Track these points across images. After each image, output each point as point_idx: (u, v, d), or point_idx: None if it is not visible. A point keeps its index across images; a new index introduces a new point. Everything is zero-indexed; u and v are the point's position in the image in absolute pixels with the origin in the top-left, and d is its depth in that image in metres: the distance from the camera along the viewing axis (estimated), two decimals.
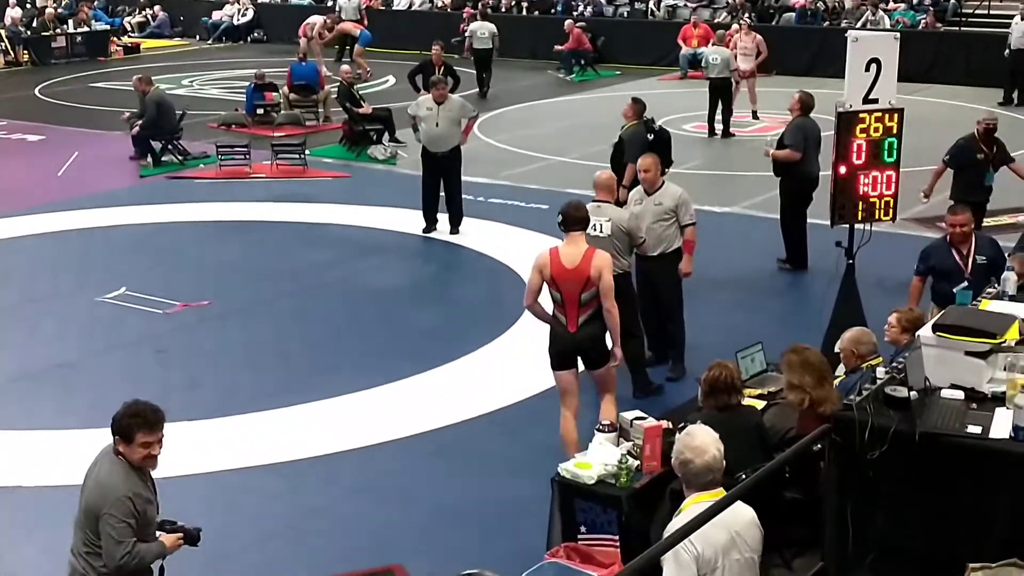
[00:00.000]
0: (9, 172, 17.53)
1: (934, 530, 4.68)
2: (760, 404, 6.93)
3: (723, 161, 17.60)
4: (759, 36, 21.31)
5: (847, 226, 9.05)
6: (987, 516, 4.57)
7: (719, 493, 4.63)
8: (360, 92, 19.18)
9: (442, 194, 13.68)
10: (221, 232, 14.22)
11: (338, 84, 19.01)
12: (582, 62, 26.13)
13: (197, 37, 33.71)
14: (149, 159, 17.48)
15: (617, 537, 6.19)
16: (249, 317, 11.28)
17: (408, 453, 8.46)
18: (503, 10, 29.90)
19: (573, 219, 7.72)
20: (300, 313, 11.39)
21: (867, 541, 4.75)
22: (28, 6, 30.44)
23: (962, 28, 25.60)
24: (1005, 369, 5.01)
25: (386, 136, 18.35)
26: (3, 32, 29.02)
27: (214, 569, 6.76)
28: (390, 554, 7.06)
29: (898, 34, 9.20)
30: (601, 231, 8.83)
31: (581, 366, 7.90)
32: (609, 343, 7.81)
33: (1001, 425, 4.65)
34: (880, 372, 5.25)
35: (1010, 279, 6.29)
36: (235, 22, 33.23)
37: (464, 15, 27.53)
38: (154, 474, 7.96)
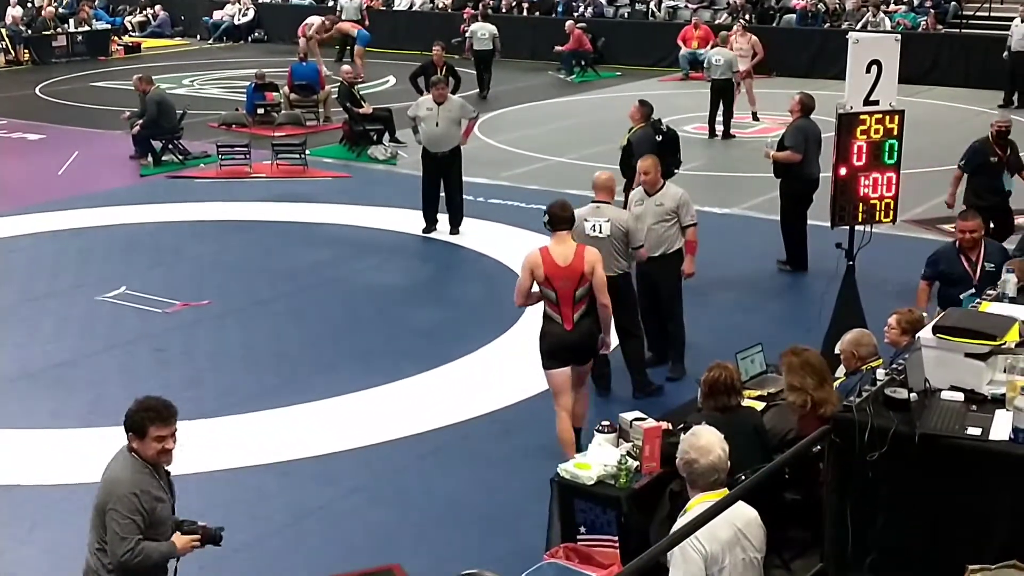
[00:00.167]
0: (9, 171, 17.54)
1: (934, 532, 4.67)
2: (760, 405, 6.93)
3: (723, 162, 17.60)
4: (754, 37, 21.35)
5: (847, 228, 9.04)
6: (987, 518, 4.57)
7: (724, 493, 4.64)
8: (361, 92, 19.17)
9: (442, 194, 13.68)
10: (221, 232, 14.22)
11: (339, 84, 19.01)
12: (583, 63, 26.14)
13: (198, 37, 33.72)
14: (149, 158, 17.48)
15: (616, 538, 6.18)
16: (249, 316, 11.28)
17: (407, 453, 8.46)
18: (504, 11, 29.91)
19: (560, 218, 7.83)
20: (299, 313, 11.39)
21: (867, 542, 4.74)
22: (28, 5, 30.43)
23: (963, 30, 25.60)
24: (1005, 371, 5.00)
25: (386, 136, 18.36)
26: (4, 31, 29.03)
27: (212, 568, 6.75)
28: (388, 554, 7.06)
29: (899, 36, 9.18)
30: (600, 232, 8.84)
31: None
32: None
33: (1001, 427, 4.65)
34: (880, 374, 5.24)
35: (1010, 281, 6.28)
36: (236, 22, 33.25)
37: (465, 16, 27.53)
38: None
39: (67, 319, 11.21)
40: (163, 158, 17.52)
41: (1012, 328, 5.15)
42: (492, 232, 13.64)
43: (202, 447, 8.46)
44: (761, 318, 10.81)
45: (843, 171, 8.69)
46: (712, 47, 21.24)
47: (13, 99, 23.62)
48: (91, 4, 32.09)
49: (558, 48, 26.14)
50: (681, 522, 4.60)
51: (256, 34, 33.05)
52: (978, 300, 6.22)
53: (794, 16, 27.17)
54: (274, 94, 20.60)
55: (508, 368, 9.73)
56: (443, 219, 13.71)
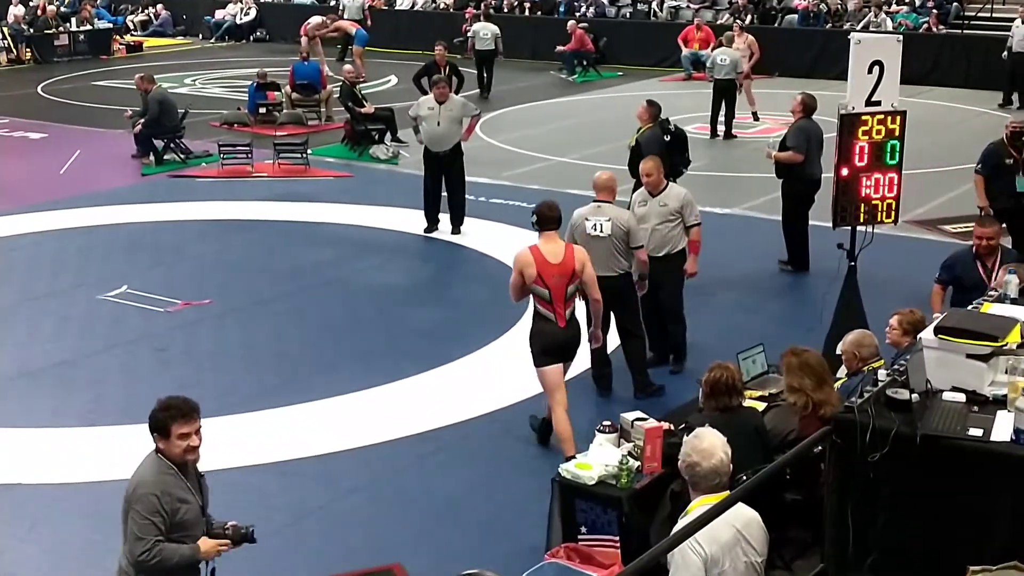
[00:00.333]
0: (11, 170, 17.54)
1: (934, 532, 4.67)
2: (761, 406, 6.93)
3: (725, 162, 17.60)
4: (751, 37, 21.36)
5: (849, 228, 9.04)
6: (988, 519, 4.56)
7: (725, 496, 4.63)
8: (362, 92, 19.18)
9: (444, 194, 13.68)
10: (223, 231, 14.22)
11: (340, 84, 19.01)
12: (584, 63, 26.13)
13: (200, 36, 33.72)
14: (151, 157, 17.49)
15: (618, 538, 6.19)
16: (250, 316, 11.28)
17: (407, 453, 8.46)
18: (505, 10, 29.91)
19: (548, 218, 7.95)
20: (300, 312, 11.39)
21: (867, 543, 4.74)
22: (30, 4, 30.44)
23: (964, 31, 25.59)
24: (1007, 372, 4.99)
25: (388, 136, 18.36)
26: (6, 30, 29.04)
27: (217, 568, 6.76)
28: (388, 553, 7.06)
29: (901, 36, 9.17)
30: (601, 231, 8.84)
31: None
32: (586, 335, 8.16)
33: (1002, 428, 4.64)
34: (881, 374, 5.24)
35: (1011, 282, 6.27)
36: (238, 21, 33.26)
37: (467, 15, 27.53)
38: None
39: (68, 318, 11.21)
40: (165, 157, 17.53)
41: (1014, 329, 5.14)
42: (494, 232, 13.63)
43: (202, 447, 8.47)
44: (762, 318, 10.81)
45: (845, 171, 8.68)
46: (714, 48, 21.23)
47: (15, 98, 23.63)
48: (93, 3, 32.09)
49: (560, 48, 26.14)
50: (682, 524, 4.59)
51: (258, 33, 33.06)
52: (979, 301, 6.20)
53: (796, 16, 27.15)
54: (276, 93, 20.60)
55: (508, 368, 9.72)
56: (444, 219, 13.71)
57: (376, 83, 24.47)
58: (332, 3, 30.31)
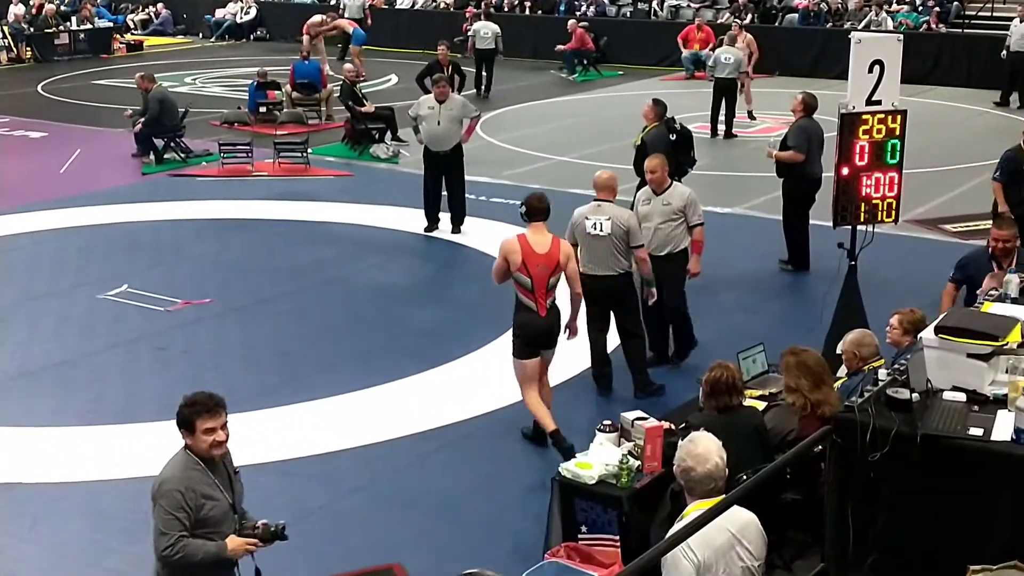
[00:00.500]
0: (11, 169, 17.54)
1: (935, 532, 4.67)
2: (761, 405, 6.92)
3: (725, 162, 17.59)
4: (750, 36, 21.37)
5: (849, 227, 9.03)
6: (988, 518, 4.56)
7: (721, 500, 4.62)
8: (363, 91, 19.17)
9: (444, 193, 13.67)
10: (223, 230, 14.22)
11: (341, 83, 19.00)
12: (585, 62, 26.13)
13: (200, 35, 33.73)
14: (151, 156, 17.49)
15: (618, 537, 6.19)
16: (250, 315, 11.27)
17: (407, 452, 8.45)
18: (506, 9, 29.91)
19: (537, 209, 8.14)
20: (301, 312, 11.39)
21: (868, 543, 4.74)
22: (29, 2, 30.44)
23: (965, 30, 25.59)
24: (1007, 372, 5.00)
25: (388, 135, 18.36)
26: (6, 29, 29.04)
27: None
28: (389, 553, 7.06)
29: (901, 36, 9.16)
30: (601, 230, 8.84)
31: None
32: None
33: (1003, 428, 4.64)
34: (882, 374, 5.24)
35: (1012, 282, 6.27)
36: (238, 20, 33.27)
37: (467, 14, 27.54)
38: (154, 472, 8.00)
39: (68, 317, 11.21)
40: (165, 156, 17.53)
41: (1014, 329, 5.14)
42: (494, 231, 13.59)
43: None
44: (763, 318, 10.81)
45: (845, 171, 8.68)
46: (715, 47, 21.23)
47: (15, 97, 23.63)
48: (93, 2, 32.10)
49: (560, 47, 26.14)
50: (677, 528, 4.57)
51: (258, 32, 33.08)
52: (981, 302, 6.21)
53: (796, 15, 27.16)
54: (276, 92, 20.60)
55: (509, 367, 9.69)
56: (445, 218, 13.71)
57: (376, 82, 24.47)
58: (333, 1, 30.31)
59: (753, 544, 4.77)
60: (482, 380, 9.60)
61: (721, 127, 19.13)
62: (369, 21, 28.42)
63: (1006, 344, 5.02)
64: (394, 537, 7.32)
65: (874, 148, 8.64)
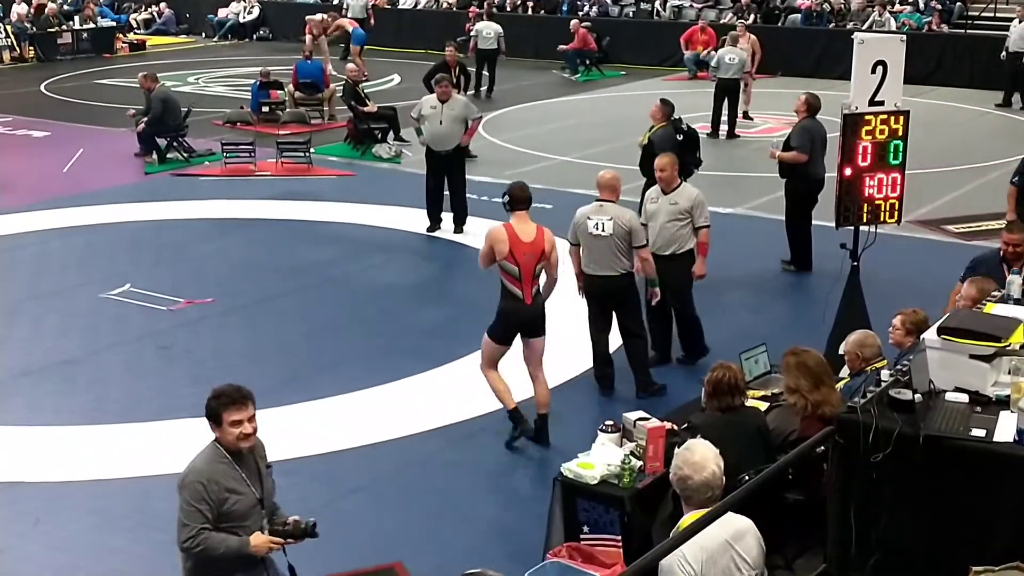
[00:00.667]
0: (14, 168, 17.56)
1: (937, 533, 4.66)
2: (763, 406, 6.91)
3: (727, 162, 17.58)
4: (754, 37, 21.38)
5: (852, 228, 9.03)
6: (990, 519, 4.56)
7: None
8: (365, 91, 19.18)
9: (447, 193, 13.68)
10: (225, 229, 14.23)
11: (343, 82, 19.01)
12: (587, 62, 26.15)
13: (203, 34, 33.75)
14: (154, 156, 17.51)
15: (620, 537, 6.18)
16: (252, 315, 11.28)
17: (409, 452, 8.46)
18: (508, 9, 29.91)
19: (519, 198, 8.30)
20: (303, 311, 11.40)
21: (870, 543, 4.73)
22: (32, 2, 30.46)
23: (967, 31, 25.58)
24: (1010, 373, 4.98)
25: (391, 135, 18.37)
26: (9, 28, 29.06)
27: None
28: (390, 552, 7.06)
29: (904, 36, 9.15)
30: (603, 230, 8.84)
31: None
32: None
33: (1005, 429, 4.64)
34: (884, 375, 5.23)
35: (1015, 283, 6.26)
36: (241, 20, 33.29)
37: (470, 14, 27.54)
38: (162, 471, 8.03)
39: (71, 316, 11.22)
40: (168, 156, 17.55)
41: (1017, 330, 5.13)
42: None
43: (204, 445, 8.47)
44: (765, 318, 10.81)
45: (848, 171, 8.67)
46: (717, 48, 21.24)
47: (18, 96, 23.65)
48: (96, 1, 32.13)
49: (562, 47, 26.15)
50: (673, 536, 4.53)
51: (261, 32, 33.11)
52: (984, 301, 6.20)
53: (799, 16, 27.15)
54: (279, 92, 20.61)
55: (511, 367, 9.70)
56: (447, 218, 13.71)
57: (379, 82, 24.47)
58: (335, 1, 30.32)
59: (750, 553, 4.73)
60: (484, 380, 9.59)
61: (723, 127, 19.12)
62: (372, 21, 28.44)
63: (1009, 345, 5.01)
64: (396, 537, 7.32)
65: (877, 149, 8.63)
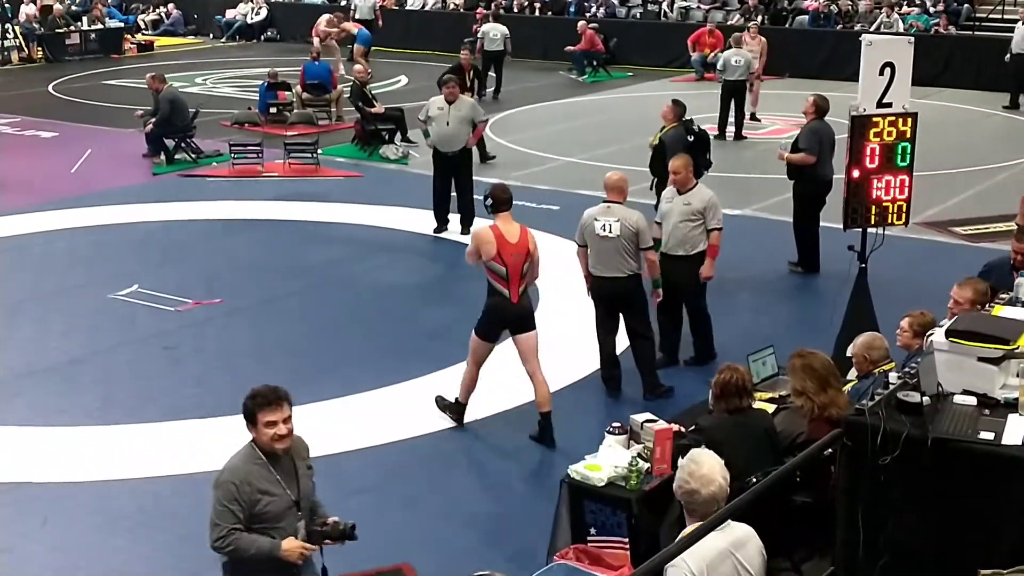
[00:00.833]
0: (22, 168, 17.59)
1: (945, 536, 4.65)
2: (771, 408, 6.90)
3: (735, 163, 17.54)
4: (764, 39, 21.38)
5: (859, 230, 9.01)
6: (998, 522, 4.55)
7: (724, 526, 4.56)
8: (373, 92, 19.19)
9: (453, 194, 13.68)
10: (233, 230, 14.24)
11: (351, 84, 19.02)
12: (594, 63, 26.13)
13: (210, 35, 33.80)
14: (162, 157, 17.53)
15: (627, 539, 6.18)
16: (259, 315, 11.29)
17: (415, 453, 8.46)
18: (515, 11, 29.91)
19: (502, 200, 8.49)
20: (310, 311, 11.40)
21: (878, 546, 4.73)
22: (36, 3, 30.51)
23: (975, 32, 25.53)
24: (1018, 375, 4.97)
25: (398, 136, 18.37)
26: (17, 29, 29.12)
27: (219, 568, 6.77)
28: (397, 554, 7.05)
29: (912, 38, 9.14)
30: (610, 232, 8.84)
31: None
32: None
33: (1013, 431, 4.63)
34: (893, 377, 5.23)
35: (1023, 286, 6.25)
36: (248, 20, 33.32)
37: (477, 16, 27.55)
38: (174, 471, 8.04)
39: (78, 316, 11.24)
40: (176, 156, 17.57)
41: None
42: None
43: (210, 445, 8.48)
44: (772, 320, 10.80)
45: (856, 173, 8.66)
46: (724, 49, 21.23)
47: (27, 97, 23.69)
48: (104, 2, 32.18)
49: (570, 48, 26.14)
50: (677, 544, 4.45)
51: (269, 33, 33.12)
52: (991, 304, 6.18)
53: (806, 17, 27.12)
54: (286, 93, 20.62)
55: (517, 369, 9.69)
56: (454, 219, 13.71)
57: (386, 83, 24.48)
58: (343, 3, 30.34)
59: (752, 562, 4.68)
60: (490, 381, 9.58)
61: (730, 129, 19.10)
62: (380, 22, 28.45)
63: (1017, 348, 5.00)
64: (402, 538, 7.32)
65: (885, 150, 8.62)
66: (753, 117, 20.18)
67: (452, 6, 31.32)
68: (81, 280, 12.32)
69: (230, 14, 33.56)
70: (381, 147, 18.07)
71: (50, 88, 24.94)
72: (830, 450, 5.35)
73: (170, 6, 34.88)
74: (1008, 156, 17.40)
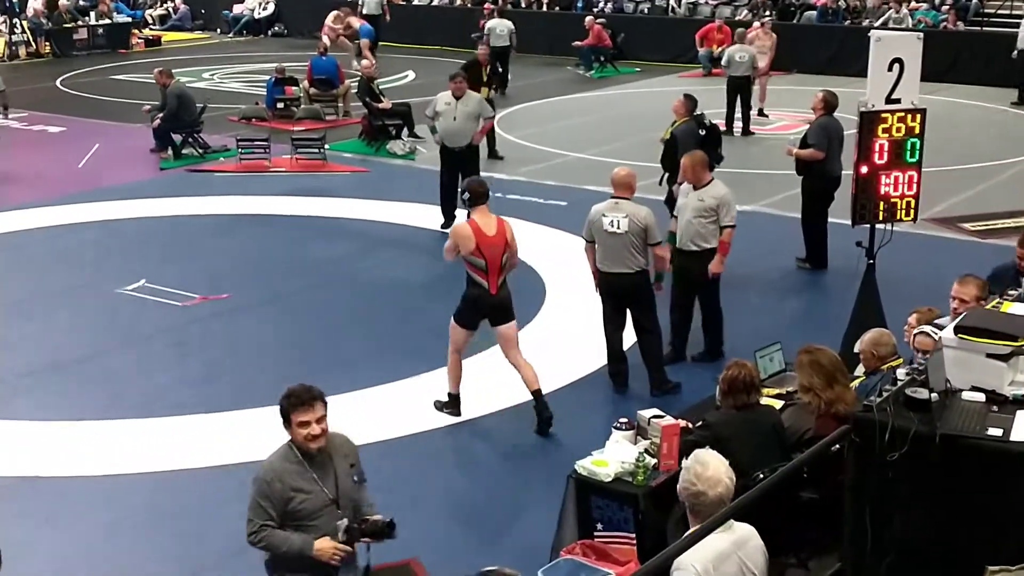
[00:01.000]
0: (30, 163, 17.61)
1: (953, 532, 4.65)
2: (778, 404, 6.89)
3: (742, 159, 17.48)
4: (774, 34, 21.36)
5: (868, 226, 9.00)
6: (1006, 519, 4.55)
7: (728, 526, 4.56)
8: (380, 87, 19.19)
9: (460, 189, 13.66)
10: (240, 225, 14.25)
11: (358, 79, 19.00)
12: (602, 58, 26.10)
13: (218, 30, 33.82)
14: (169, 152, 17.54)
15: (634, 535, 6.18)
16: (266, 311, 11.30)
17: (422, 448, 8.45)
18: (523, 5, 29.88)
19: (479, 194, 8.59)
20: (317, 307, 11.41)
21: (885, 542, 4.72)
22: None
23: (983, 28, 25.46)
24: None
25: (405, 131, 18.36)
26: (25, 23, 29.14)
27: (228, 565, 6.79)
28: (404, 549, 7.01)
29: (921, 34, 9.12)
30: (618, 227, 8.84)
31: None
32: None
33: (1022, 428, 4.62)
34: (900, 373, 5.22)
35: None
36: (256, 16, 33.33)
37: (484, 11, 27.53)
38: (178, 466, 8.06)
39: (86, 312, 11.25)
40: (183, 152, 17.58)
41: None
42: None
43: (217, 441, 8.51)
44: (780, 316, 10.78)
45: (864, 169, 8.64)
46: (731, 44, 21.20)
47: (34, 91, 23.70)
48: None
49: (577, 43, 26.11)
50: (686, 555, 4.41)
51: (276, 28, 33.14)
52: (1000, 300, 6.17)
53: (815, 13, 27.07)
54: (294, 88, 20.62)
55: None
56: (461, 215, 13.69)
57: (394, 78, 24.47)
58: None
59: (755, 560, 4.68)
60: (496, 377, 9.58)
61: (738, 125, 19.08)
62: (387, 17, 28.45)
63: None
64: (409, 533, 7.28)
65: (893, 146, 8.60)
66: (761, 113, 20.16)
67: (459, 1, 31.30)
68: (88, 275, 12.34)
69: (237, 9, 33.58)
70: (388, 142, 18.07)
71: (58, 83, 24.98)
72: (837, 446, 5.34)
73: (177, 1, 34.91)
74: (1016, 152, 17.35)
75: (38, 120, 20.84)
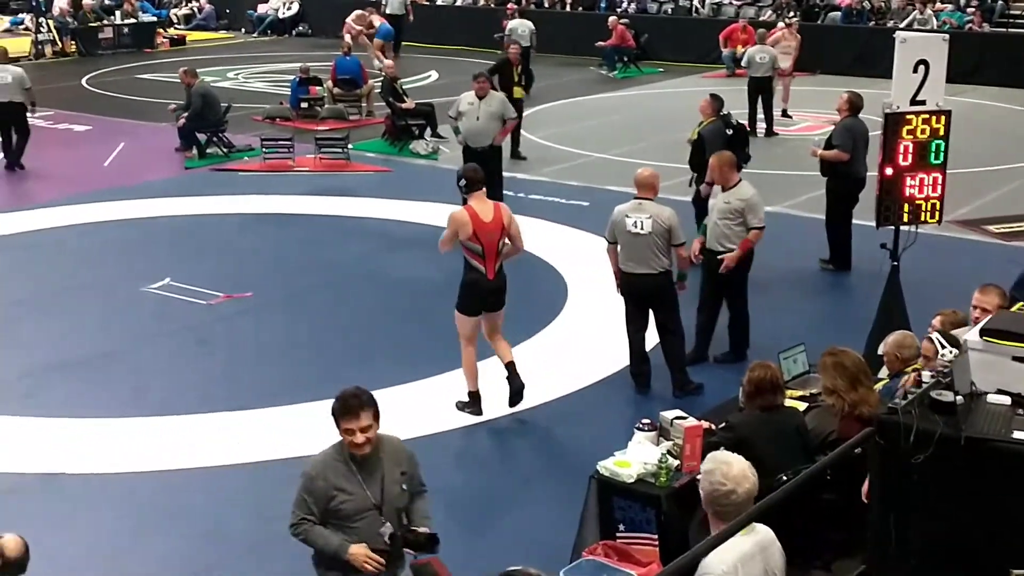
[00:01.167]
0: (56, 162, 17.71)
1: (977, 535, 4.63)
2: (802, 406, 6.88)
3: (765, 160, 17.41)
4: (799, 36, 21.32)
5: (892, 227, 8.96)
6: None
7: (750, 526, 4.54)
8: (403, 87, 19.22)
9: None
10: (264, 224, 14.30)
11: (381, 79, 19.04)
12: (625, 59, 26.07)
13: (242, 30, 33.95)
14: (194, 151, 17.63)
15: (656, 536, 6.17)
16: (289, 309, 11.34)
17: (441, 448, 8.45)
18: (546, 6, 29.88)
19: (474, 180, 8.66)
20: (339, 306, 11.44)
21: (909, 545, 4.71)
22: None
23: (1009, 29, 25.32)
24: None
25: (428, 131, 18.39)
26: (51, 23, 29.33)
27: (249, 561, 6.82)
28: None
29: (947, 35, 9.07)
30: (642, 228, 8.83)
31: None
32: None
33: None
34: (925, 376, 5.20)
35: None
36: (280, 15, 33.45)
37: (508, 11, 27.55)
38: (192, 464, 8.09)
39: (111, 309, 11.32)
40: (208, 151, 17.66)
41: None
42: (532, 228, 13.54)
43: (239, 439, 8.55)
44: (804, 318, 10.74)
45: (889, 171, 8.61)
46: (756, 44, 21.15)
47: (60, 90, 23.84)
48: None
49: (600, 43, 26.10)
50: (711, 557, 4.41)
51: (300, 28, 33.25)
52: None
53: (839, 14, 26.98)
54: (318, 88, 20.66)
55: (543, 365, 9.70)
56: None
57: (417, 78, 24.51)
58: None
59: (777, 563, 4.68)
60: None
61: (761, 125, 19.03)
62: (410, 17, 28.51)
63: None
64: None
65: (918, 148, 8.57)
66: (784, 114, 20.11)
67: (483, 1, 31.32)
68: (114, 273, 12.41)
69: (262, 9, 33.71)
70: (411, 142, 18.10)
71: (83, 82, 25.13)
72: (860, 449, 5.32)
73: (202, 1, 35.05)
74: None
75: (64, 119, 20.97)
